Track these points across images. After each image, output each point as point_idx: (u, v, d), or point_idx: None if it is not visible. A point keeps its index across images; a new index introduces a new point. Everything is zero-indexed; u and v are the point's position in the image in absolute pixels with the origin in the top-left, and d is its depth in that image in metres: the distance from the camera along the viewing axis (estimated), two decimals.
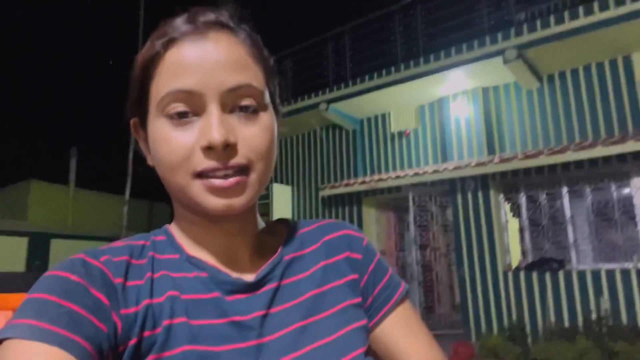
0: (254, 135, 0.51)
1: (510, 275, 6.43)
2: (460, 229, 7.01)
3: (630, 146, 5.37)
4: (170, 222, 0.60)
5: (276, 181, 9.52)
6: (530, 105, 6.94)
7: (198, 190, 0.50)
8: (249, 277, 0.55)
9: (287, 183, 9.43)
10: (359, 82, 7.88)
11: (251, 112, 0.52)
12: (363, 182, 7.52)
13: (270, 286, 0.56)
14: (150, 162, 0.57)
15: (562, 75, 6.73)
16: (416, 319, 0.65)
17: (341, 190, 7.91)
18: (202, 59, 0.49)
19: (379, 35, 8.34)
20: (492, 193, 6.82)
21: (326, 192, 8.19)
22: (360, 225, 8.22)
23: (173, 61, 0.50)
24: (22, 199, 11.94)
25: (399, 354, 0.62)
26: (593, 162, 5.99)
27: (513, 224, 7.04)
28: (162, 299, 0.49)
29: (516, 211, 7.01)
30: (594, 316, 5.51)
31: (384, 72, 7.59)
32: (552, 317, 5.90)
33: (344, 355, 0.55)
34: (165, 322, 0.48)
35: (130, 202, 8.75)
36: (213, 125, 0.48)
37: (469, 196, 7.01)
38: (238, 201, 0.50)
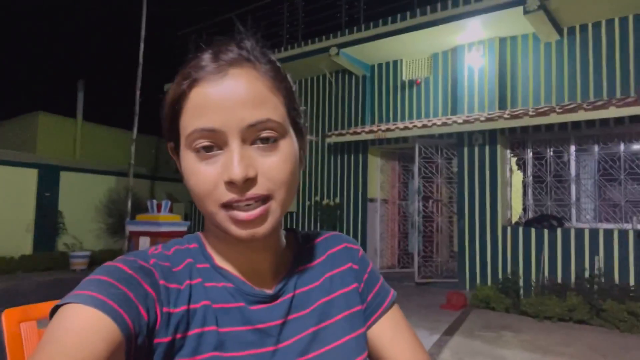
0: (273, 166, 0.55)
1: (509, 229, 6.55)
2: (464, 181, 7.05)
3: None
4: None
5: None
6: (547, 58, 6.72)
7: (224, 219, 0.55)
8: (269, 289, 0.62)
9: None
10: (372, 26, 7.61)
11: (271, 142, 0.55)
12: (370, 131, 7.48)
13: (286, 297, 0.62)
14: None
15: (584, 28, 6.46)
16: (403, 322, 0.73)
17: (348, 138, 7.88)
18: (223, 99, 0.53)
19: None
20: (499, 148, 6.78)
21: (332, 139, 8.16)
22: (364, 173, 8.28)
23: (197, 101, 0.54)
24: (31, 131, 12.01)
25: (386, 355, 0.70)
26: (604, 121, 5.90)
27: (517, 179, 7.07)
28: (198, 306, 0.56)
29: (521, 167, 7.01)
30: (586, 274, 5.66)
31: (398, 17, 7.30)
32: (546, 273, 6.08)
33: None
34: (198, 330, 0.55)
35: (138, 139, 8.79)
36: (234, 162, 0.52)
37: (476, 150, 6.98)
38: (261, 230, 0.55)
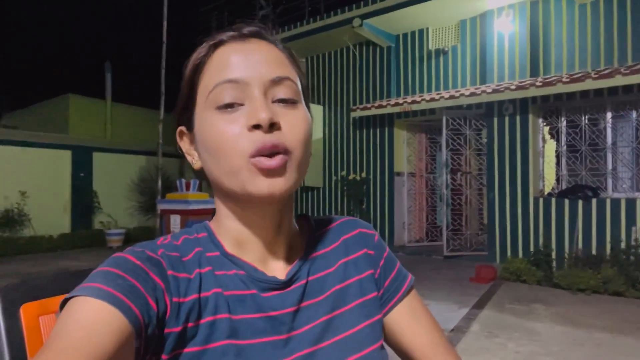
0: (293, 122, 0.56)
1: (541, 201, 6.39)
2: (494, 152, 6.89)
3: None
4: None
5: None
6: (582, 21, 6.39)
7: (247, 172, 0.54)
8: (281, 275, 0.60)
9: (317, 102, 9.31)
10: None
11: (290, 102, 0.57)
12: (396, 104, 7.34)
13: (299, 283, 0.61)
14: (196, 165, 0.61)
15: None
16: (421, 307, 0.71)
17: (373, 112, 7.77)
18: (246, 56, 0.56)
19: None
20: (530, 117, 6.57)
21: (357, 113, 8.07)
22: (390, 147, 8.18)
23: (220, 59, 0.57)
24: (62, 114, 12.33)
25: (405, 341, 0.69)
26: None
27: (550, 149, 6.85)
28: (209, 294, 0.55)
29: (554, 136, 6.78)
30: (622, 245, 5.50)
31: None
32: (580, 245, 5.93)
33: (362, 349, 0.61)
34: (210, 318, 0.54)
35: (165, 118, 8.89)
36: (259, 107, 0.53)
37: (506, 119, 6.78)
38: (280, 182, 0.54)
